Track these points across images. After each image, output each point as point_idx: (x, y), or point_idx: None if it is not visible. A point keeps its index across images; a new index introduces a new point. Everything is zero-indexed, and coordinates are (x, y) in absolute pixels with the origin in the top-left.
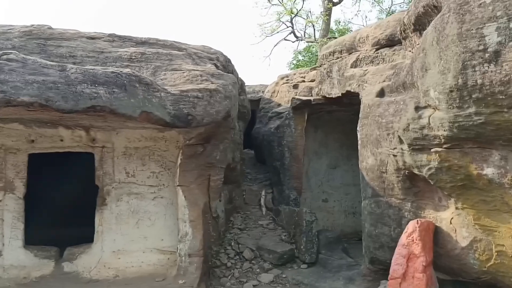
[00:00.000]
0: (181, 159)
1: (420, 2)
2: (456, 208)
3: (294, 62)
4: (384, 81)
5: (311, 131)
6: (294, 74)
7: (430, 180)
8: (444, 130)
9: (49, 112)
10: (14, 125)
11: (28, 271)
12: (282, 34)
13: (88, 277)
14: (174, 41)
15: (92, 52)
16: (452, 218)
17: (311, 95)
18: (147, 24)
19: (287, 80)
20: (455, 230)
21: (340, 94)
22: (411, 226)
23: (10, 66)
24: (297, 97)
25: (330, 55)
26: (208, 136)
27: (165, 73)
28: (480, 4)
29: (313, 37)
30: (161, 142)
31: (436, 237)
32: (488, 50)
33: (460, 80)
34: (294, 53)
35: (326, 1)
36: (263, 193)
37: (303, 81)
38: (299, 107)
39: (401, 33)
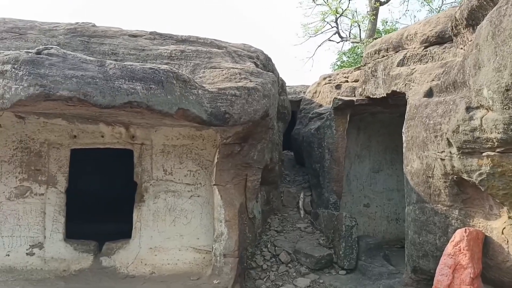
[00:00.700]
0: (218, 158)
1: None
2: (509, 217)
3: (338, 63)
4: (432, 80)
5: (353, 133)
6: (337, 74)
7: (480, 187)
8: (498, 133)
9: (87, 107)
10: (58, 120)
11: (68, 264)
12: (326, 35)
13: (125, 272)
14: (214, 39)
15: (134, 49)
16: (504, 228)
17: (354, 96)
18: (190, 23)
19: (329, 80)
20: (507, 241)
21: (385, 95)
22: (459, 234)
23: (51, 60)
24: (339, 97)
25: (375, 53)
26: (245, 135)
27: (204, 71)
28: None
29: (358, 38)
30: (198, 141)
31: (485, 248)
32: None
33: None
34: (338, 54)
35: (373, 1)
36: (301, 195)
37: (347, 81)
38: (341, 107)
39: (452, 29)
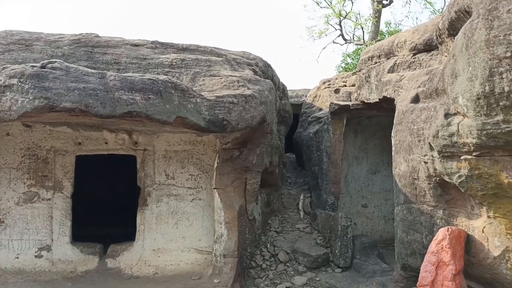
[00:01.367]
0: (217, 163)
1: (453, 7)
2: (488, 216)
3: (343, 65)
4: (419, 86)
5: (350, 136)
6: (336, 78)
7: (461, 188)
8: (473, 138)
9: (89, 117)
10: (63, 128)
11: (75, 266)
12: (331, 37)
13: (130, 273)
14: (214, 48)
15: (136, 58)
16: (484, 227)
17: (350, 100)
18: (197, 31)
19: (328, 84)
20: (487, 239)
21: (377, 100)
22: (441, 233)
23: (54, 74)
24: (335, 102)
25: (368, 60)
26: (244, 140)
27: (203, 79)
28: (509, 10)
29: (362, 40)
30: (199, 146)
31: (468, 246)
32: None
33: (487, 87)
34: (343, 56)
35: (375, 3)
36: (301, 197)
37: (345, 85)
38: (337, 112)
39: (437, 38)
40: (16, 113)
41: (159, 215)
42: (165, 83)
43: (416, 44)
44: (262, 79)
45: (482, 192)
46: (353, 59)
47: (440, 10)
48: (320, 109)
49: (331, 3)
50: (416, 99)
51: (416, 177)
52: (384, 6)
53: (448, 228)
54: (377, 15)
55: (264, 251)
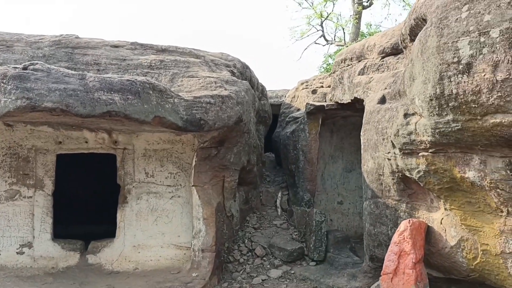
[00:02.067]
0: (195, 161)
1: (412, 15)
2: (445, 209)
3: (325, 65)
4: (385, 88)
5: (326, 135)
6: (314, 79)
7: (420, 183)
8: (428, 136)
9: (70, 117)
10: (44, 127)
11: (56, 262)
12: (313, 38)
13: (110, 268)
14: (193, 49)
15: (115, 59)
16: (442, 219)
17: (325, 101)
18: (182, 32)
19: (306, 85)
20: (445, 230)
21: (350, 100)
22: (403, 225)
23: (36, 75)
24: (311, 102)
25: (342, 62)
26: (221, 139)
27: (182, 80)
28: (457, 19)
29: (343, 41)
30: (178, 145)
31: (428, 236)
32: (462, 62)
33: (438, 90)
34: (324, 57)
35: (356, 5)
36: (279, 194)
37: (322, 86)
38: (313, 112)
39: (401, 42)
40: None
41: (139, 212)
42: (143, 84)
43: (384, 48)
44: (239, 80)
45: (439, 186)
46: (334, 60)
47: None
48: (298, 109)
49: (312, 4)
50: (382, 100)
51: (381, 173)
52: (364, 7)
53: (409, 220)
54: (358, 16)
55: (242, 246)
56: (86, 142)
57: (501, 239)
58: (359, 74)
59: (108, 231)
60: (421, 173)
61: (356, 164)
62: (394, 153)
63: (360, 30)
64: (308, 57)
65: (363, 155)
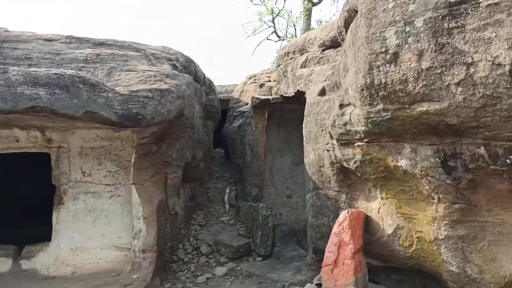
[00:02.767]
0: (135, 158)
1: (346, 7)
2: (382, 198)
3: (277, 61)
4: (325, 80)
5: (274, 129)
6: (261, 74)
7: (357, 173)
8: (362, 126)
9: None
10: None
11: None
12: (265, 34)
13: (46, 274)
14: (133, 42)
15: (49, 54)
16: (379, 208)
17: (271, 94)
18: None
19: (254, 80)
20: (382, 219)
21: (293, 93)
22: (342, 216)
23: None
24: (256, 96)
25: (285, 55)
26: (162, 135)
27: (119, 74)
28: (384, 9)
29: (294, 37)
30: (117, 142)
31: (367, 226)
32: (389, 51)
33: (368, 80)
34: (276, 53)
35: (305, 1)
36: (227, 190)
37: (269, 80)
38: (259, 106)
39: (338, 35)
40: None
41: (76, 214)
42: (72, 77)
43: (324, 41)
44: (181, 73)
45: (375, 175)
46: (279, 54)
47: None
48: (247, 104)
49: (263, 0)
50: (322, 92)
51: (322, 165)
52: (314, 4)
53: (348, 211)
54: (308, 13)
55: (187, 245)
56: (17, 141)
57: (434, 226)
58: (301, 67)
59: (47, 234)
60: (358, 163)
61: (303, 157)
62: (332, 144)
63: (311, 27)
64: (263, 53)
65: (305, 147)
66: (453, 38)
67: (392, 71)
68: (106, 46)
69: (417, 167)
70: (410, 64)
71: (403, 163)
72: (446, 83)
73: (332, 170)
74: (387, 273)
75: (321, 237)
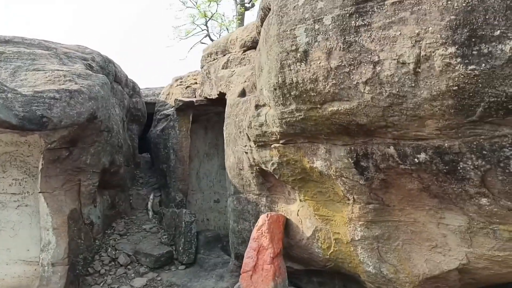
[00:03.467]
0: (42, 164)
1: (261, 4)
2: (300, 200)
3: None
4: (245, 81)
5: (200, 133)
6: (188, 76)
7: (275, 175)
8: (277, 127)
9: None
10: None
11: None
12: (199, 37)
13: None
14: (44, 40)
15: None
16: (298, 210)
17: (195, 97)
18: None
19: (181, 82)
20: (301, 221)
21: (216, 95)
22: (261, 219)
23: None
24: (179, 98)
25: (208, 56)
26: (73, 139)
27: (26, 73)
28: (295, 6)
29: None
30: (24, 147)
31: (287, 229)
32: (299, 50)
33: (280, 79)
34: None
35: (238, 5)
36: (151, 196)
37: (196, 83)
38: (183, 108)
39: (257, 34)
40: None
41: None
42: None
43: (245, 41)
44: (94, 74)
45: (292, 177)
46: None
47: None
48: (172, 107)
49: (196, 3)
50: (243, 93)
51: (241, 168)
52: (247, 9)
53: (267, 214)
54: (241, 17)
55: (104, 256)
56: None
57: (350, 227)
58: (222, 68)
59: None
60: (275, 165)
61: None
62: (250, 146)
63: None
64: (196, 56)
65: (226, 150)
66: (360, 36)
67: (302, 70)
68: (13, 44)
69: (332, 168)
70: (319, 63)
71: (318, 164)
72: (354, 82)
73: (252, 173)
74: (309, 276)
75: (243, 242)
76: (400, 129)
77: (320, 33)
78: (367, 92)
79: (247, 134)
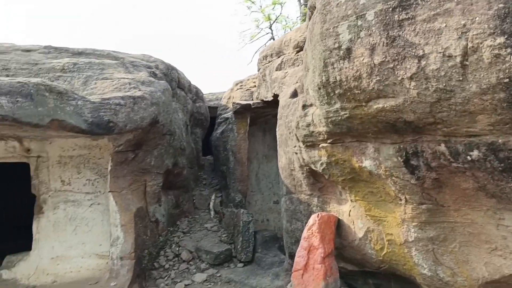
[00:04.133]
0: (111, 166)
1: (309, 3)
2: (351, 200)
3: None
4: (297, 82)
5: (259, 135)
6: (248, 79)
7: (324, 175)
8: (323, 126)
9: None
10: None
11: None
12: (263, 41)
13: (26, 283)
14: (113, 51)
15: (26, 64)
16: (350, 211)
17: (253, 99)
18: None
19: (241, 85)
20: (353, 222)
21: (271, 98)
22: (312, 219)
23: None
24: (237, 101)
25: (264, 59)
26: (138, 142)
27: (95, 82)
28: (338, 3)
29: None
30: (95, 150)
31: (339, 230)
32: (342, 47)
33: (323, 78)
34: None
35: (302, 6)
36: (213, 197)
37: (255, 86)
38: (240, 111)
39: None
40: None
41: (57, 223)
42: (37, 85)
43: (298, 42)
44: (156, 80)
45: (342, 177)
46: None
47: None
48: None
49: (261, 7)
50: (294, 94)
51: (292, 168)
52: None
53: (318, 214)
54: (304, 18)
55: (168, 252)
56: None
57: (403, 228)
58: (276, 70)
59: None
60: (324, 165)
61: None
62: (299, 146)
63: None
64: None
65: (278, 151)
66: (404, 30)
67: (346, 68)
68: (85, 55)
69: (381, 167)
70: (363, 60)
71: (367, 163)
72: (399, 78)
73: (302, 173)
74: (365, 277)
75: (296, 242)
76: (450, 126)
77: (362, 29)
78: (412, 87)
79: (296, 135)
